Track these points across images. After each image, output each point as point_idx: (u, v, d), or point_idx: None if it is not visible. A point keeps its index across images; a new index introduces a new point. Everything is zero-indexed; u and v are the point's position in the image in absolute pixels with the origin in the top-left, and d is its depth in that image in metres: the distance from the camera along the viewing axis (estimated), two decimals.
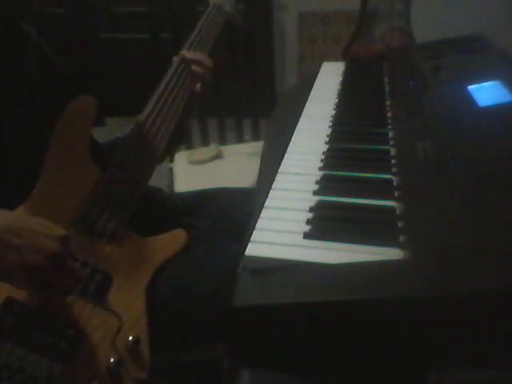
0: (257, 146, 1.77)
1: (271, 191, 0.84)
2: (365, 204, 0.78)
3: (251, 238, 0.71)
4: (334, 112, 1.15)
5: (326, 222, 0.75)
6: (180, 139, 1.13)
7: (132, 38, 2.88)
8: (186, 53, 1.04)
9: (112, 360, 0.74)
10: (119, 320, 0.77)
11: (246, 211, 0.85)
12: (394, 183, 0.83)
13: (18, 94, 0.86)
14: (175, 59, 1.04)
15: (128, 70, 2.93)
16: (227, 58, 1.78)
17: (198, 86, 1.02)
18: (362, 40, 1.81)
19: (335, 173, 0.89)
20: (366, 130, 1.05)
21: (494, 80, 1.04)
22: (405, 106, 1.10)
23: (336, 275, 0.63)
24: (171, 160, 1.76)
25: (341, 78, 1.38)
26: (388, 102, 1.16)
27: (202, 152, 1.81)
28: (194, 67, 1.02)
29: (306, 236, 0.71)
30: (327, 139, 1.02)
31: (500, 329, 0.59)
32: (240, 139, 1.94)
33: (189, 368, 0.95)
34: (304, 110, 1.18)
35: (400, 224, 0.72)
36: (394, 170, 0.87)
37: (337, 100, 1.23)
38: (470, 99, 1.00)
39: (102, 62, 2.97)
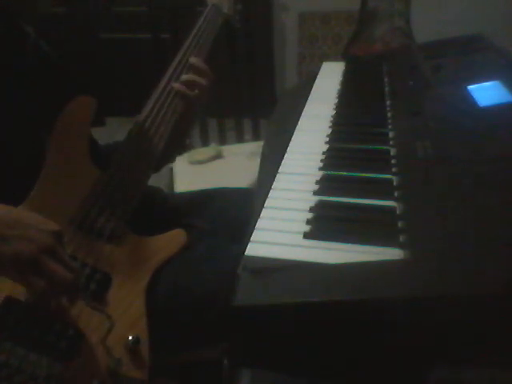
0: (257, 146, 1.77)
1: (271, 191, 0.84)
2: (365, 204, 0.78)
3: (251, 238, 0.71)
4: (334, 112, 1.15)
5: (326, 222, 0.75)
6: (179, 146, 1.12)
7: (132, 37, 2.89)
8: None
9: (112, 360, 0.74)
10: (109, 320, 0.77)
11: (246, 211, 0.85)
12: (394, 183, 0.83)
13: (17, 93, 0.86)
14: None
15: (128, 69, 2.93)
16: (227, 58, 1.78)
17: (192, 92, 1.02)
18: (361, 40, 1.81)
19: (335, 173, 0.89)
20: (365, 130, 1.05)
21: (494, 80, 1.04)
22: (405, 105, 1.10)
23: (336, 275, 0.63)
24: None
25: (341, 78, 1.38)
26: (388, 102, 1.16)
27: (202, 152, 1.81)
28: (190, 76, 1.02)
29: (306, 236, 0.71)
30: (327, 139, 1.02)
31: (500, 329, 0.59)
32: (240, 139, 1.94)
33: (189, 368, 0.95)
34: (304, 110, 1.18)
35: (400, 224, 0.72)
36: (394, 169, 0.87)
37: (337, 100, 1.23)
38: (470, 99, 1.00)
39: (102, 62, 2.97)
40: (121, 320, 0.78)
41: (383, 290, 0.59)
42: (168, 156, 1.09)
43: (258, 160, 1.01)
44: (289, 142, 1.02)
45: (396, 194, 0.80)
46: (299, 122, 1.11)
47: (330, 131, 1.06)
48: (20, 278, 0.71)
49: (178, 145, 1.09)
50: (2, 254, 0.67)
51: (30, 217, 0.72)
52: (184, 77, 1.01)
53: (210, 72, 1.04)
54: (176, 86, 1.00)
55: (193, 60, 1.03)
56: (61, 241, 0.72)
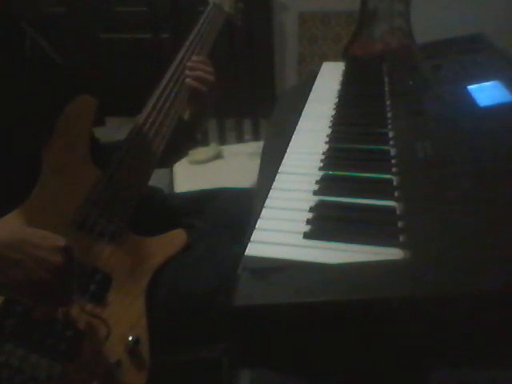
0: (257, 146, 1.77)
1: (271, 191, 0.84)
2: (365, 204, 0.78)
3: (251, 238, 0.71)
4: (334, 112, 1.15)
5: (326, 222, 0.75)
6: (194, 139, 1.13)
7: (132, 38, 2.88)
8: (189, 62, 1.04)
9: (112, 360, 0.75)
10: (107, 328, 0.77)
11: (246, 211, 0.85)
12: (394, 183, 0.83)
13: (17, 94, 0.86)
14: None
15: (128, 69, 2.93)
16: (227, 58, 1.78)
17: (204, 87, 1.02)
18: (361, 40, 1.81)
19: (335, 173, 0.89)
20: (365, 130, 1.05)
21: (494, 80, 1.04)
22: (405, 105, 1.10)
23: (336, 275, 0.63)
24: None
25: (341, 78, 1.38)
26: (388, 102, 1.16)
27: (202, 152, 1.81)
28: (197, 73, 1.02)
29: (306, 236, 0.71)
30: (327, 139, 1.02)
31: (500, 328, 0.59)
32: (240, 139, 1.94)
33: (189, 368, 0.95)
34: (304, 110, 1.18)
35: (400, 224, 0.72)
36: (394, 169, 0.87)
37: (337, 100, 1.23)
38: (470, 99, 1.00)
39: (102, 62, 2.97)
40: (121, 320, 0.78)
41: (383, 289, 0.59)
42: (179, 151, 1.11)
43: (258, 160, 1.01)
44: (289, 142, 1.02)
45: (396, 193, 0.80)
46: (299, 122, 1.11)
47: (329, 131, 1.06)
48: (29, 298, 0.70)
49: (188, 140, 1.10)
50: (12, 278, 0.66)
51: (35, 235, 0.69)
52: (192, 69, 1.02)
53: (212, 67, 1.05)
54: (189, 81, 1.01)
55: (195, 58, 1.04)
56: (70, 255, 0.70)
